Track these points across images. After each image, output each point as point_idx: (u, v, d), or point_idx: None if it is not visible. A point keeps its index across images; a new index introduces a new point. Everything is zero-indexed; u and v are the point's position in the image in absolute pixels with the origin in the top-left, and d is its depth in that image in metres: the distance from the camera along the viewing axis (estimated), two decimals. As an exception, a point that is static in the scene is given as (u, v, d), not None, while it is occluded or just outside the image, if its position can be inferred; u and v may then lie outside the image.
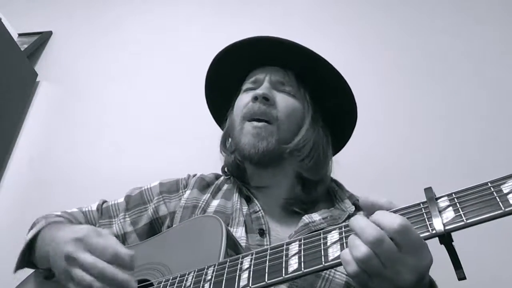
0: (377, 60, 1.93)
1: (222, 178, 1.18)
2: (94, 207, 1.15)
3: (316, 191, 1.06)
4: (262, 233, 0.98)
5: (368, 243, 0.61)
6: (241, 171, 1.12)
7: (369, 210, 0.68)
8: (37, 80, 2.34)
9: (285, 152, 1.05)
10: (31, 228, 1.05)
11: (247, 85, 1.16)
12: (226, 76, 1.20)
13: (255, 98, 1.06)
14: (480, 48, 1.85)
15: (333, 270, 0.90)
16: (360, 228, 0.63)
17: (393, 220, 0.62)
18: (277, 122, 1.05)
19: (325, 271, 0.89)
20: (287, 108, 1.08)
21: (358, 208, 1.05)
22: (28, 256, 0.99)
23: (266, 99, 1.06)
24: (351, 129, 1.20)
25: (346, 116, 1.18)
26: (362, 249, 0.61)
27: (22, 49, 2.30)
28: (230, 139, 1.16)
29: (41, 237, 0.96)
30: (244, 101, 1.11)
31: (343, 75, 1.13)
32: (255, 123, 1.05)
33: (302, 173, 1.06)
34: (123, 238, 1.09)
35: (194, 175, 1.18)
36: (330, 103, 1.15)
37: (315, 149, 1.08)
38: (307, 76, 1.14)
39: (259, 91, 1.07)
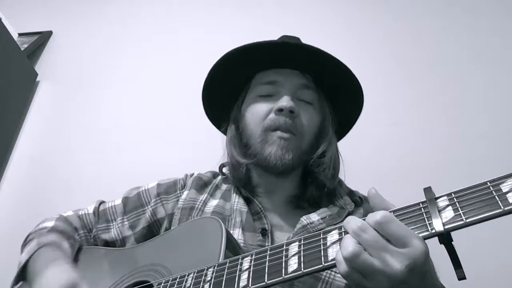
0: (378, 59, 1.93)
1: (219, 176, 1.16)
2: (90, 210, 1.14)
3: (325, 188, 1.05)
4: (264, 233, 0.97)
5: (352, 233, 0.64)
6: (246, 176, 1.08)
7: (375, 203, 0.69)
8: (37, 80, 2.34)
9: (307, 164, 1.05)
10: (24, 244, 1.04)
11: (261, 87, 1.10)
12: (230, 75, 1.15)
13: (280, 110, 1.03)
14: (482, 47, 1.84)
15: (333, 273, 0.90)
16: (346, 223, 0.66)
17: (376, 213, 0.64)
18: (302, 134, 1.04)
19: (325, 274, 0.89)
20: (310, 121, 1.06)
21: (357, 205, 1.05)
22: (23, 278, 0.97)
23: (292, 112, 1.03)
24: (349, 129, 1.21)
25: (351, 119, 1.19)
26: (348, 247, 0.62)
27: (22, 49, 2.30)
28: (245, 145, 1.08)
29: (32, 266, 0.94)
30: (262, 109, 1.06)
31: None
32: (280, 133, 1.01)
33: (326, 184, 1.04)
34: (121, 242, 1.08)
35: (192, 175, 1.16)
36: (343, 107, 1.14)
37: (334, 158, 1.08)
38: (324, 80, 1.11)
39: (285, 103, 1.02)
